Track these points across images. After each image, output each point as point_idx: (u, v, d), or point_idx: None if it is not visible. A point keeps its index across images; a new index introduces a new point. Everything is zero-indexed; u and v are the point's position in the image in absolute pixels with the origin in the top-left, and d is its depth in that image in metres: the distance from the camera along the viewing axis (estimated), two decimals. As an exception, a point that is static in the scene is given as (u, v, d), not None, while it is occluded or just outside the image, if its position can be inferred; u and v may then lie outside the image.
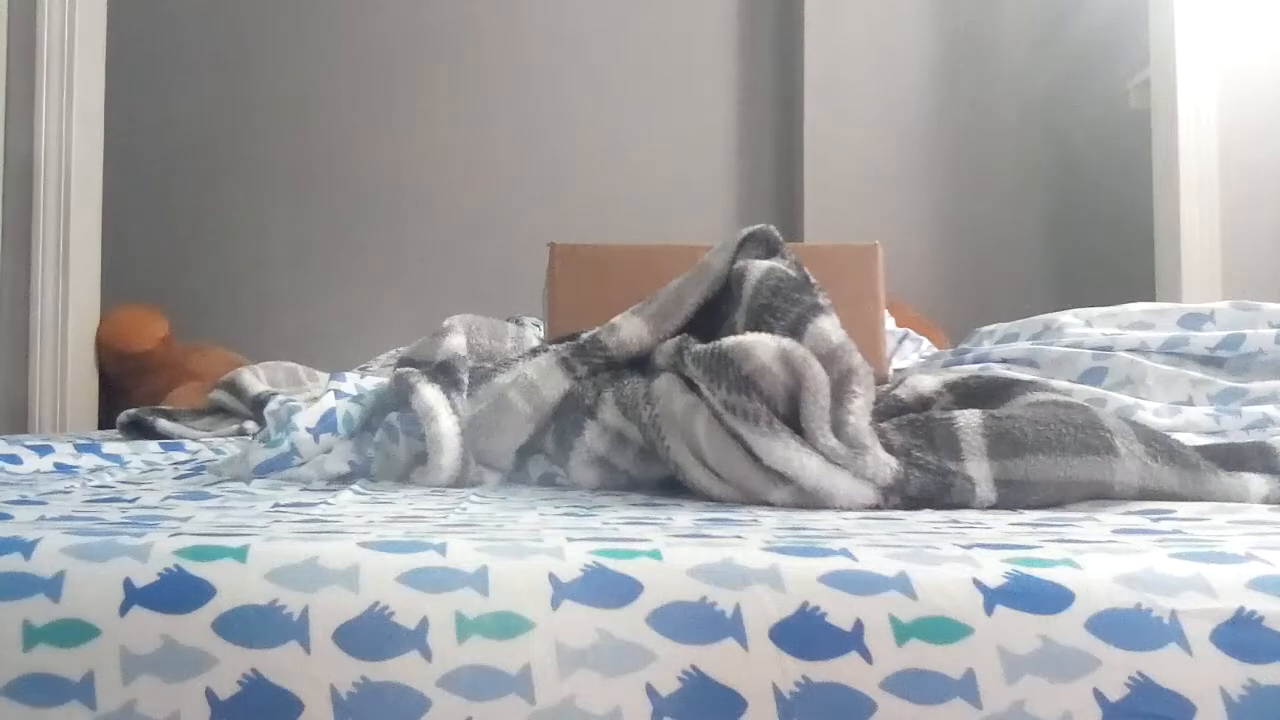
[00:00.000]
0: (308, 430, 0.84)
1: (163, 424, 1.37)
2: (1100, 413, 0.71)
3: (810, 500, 0.66)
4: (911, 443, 0.69)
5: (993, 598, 0.41)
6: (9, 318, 2.09)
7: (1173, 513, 0.63)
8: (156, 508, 0.62)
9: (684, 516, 0.61)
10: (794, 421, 0.68)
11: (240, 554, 0.43)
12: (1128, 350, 1.12)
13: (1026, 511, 0.65)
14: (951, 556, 0.44)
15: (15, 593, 0.42)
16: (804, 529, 0.54)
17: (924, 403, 0.84)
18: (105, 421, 2.15)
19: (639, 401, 0.78)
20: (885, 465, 0.66)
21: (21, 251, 2.09)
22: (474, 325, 1.02)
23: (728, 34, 2.70)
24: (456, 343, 0.91)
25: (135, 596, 0.42)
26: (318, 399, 0.88)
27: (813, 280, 0.84)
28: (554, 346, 0.89)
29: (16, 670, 0.41)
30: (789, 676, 0.40)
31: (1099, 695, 0.40)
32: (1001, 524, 0.58)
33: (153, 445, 1.16)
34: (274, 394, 1.34)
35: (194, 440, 1.26)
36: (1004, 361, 1.19)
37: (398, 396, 0.86)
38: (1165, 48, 2.22)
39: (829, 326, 0.74)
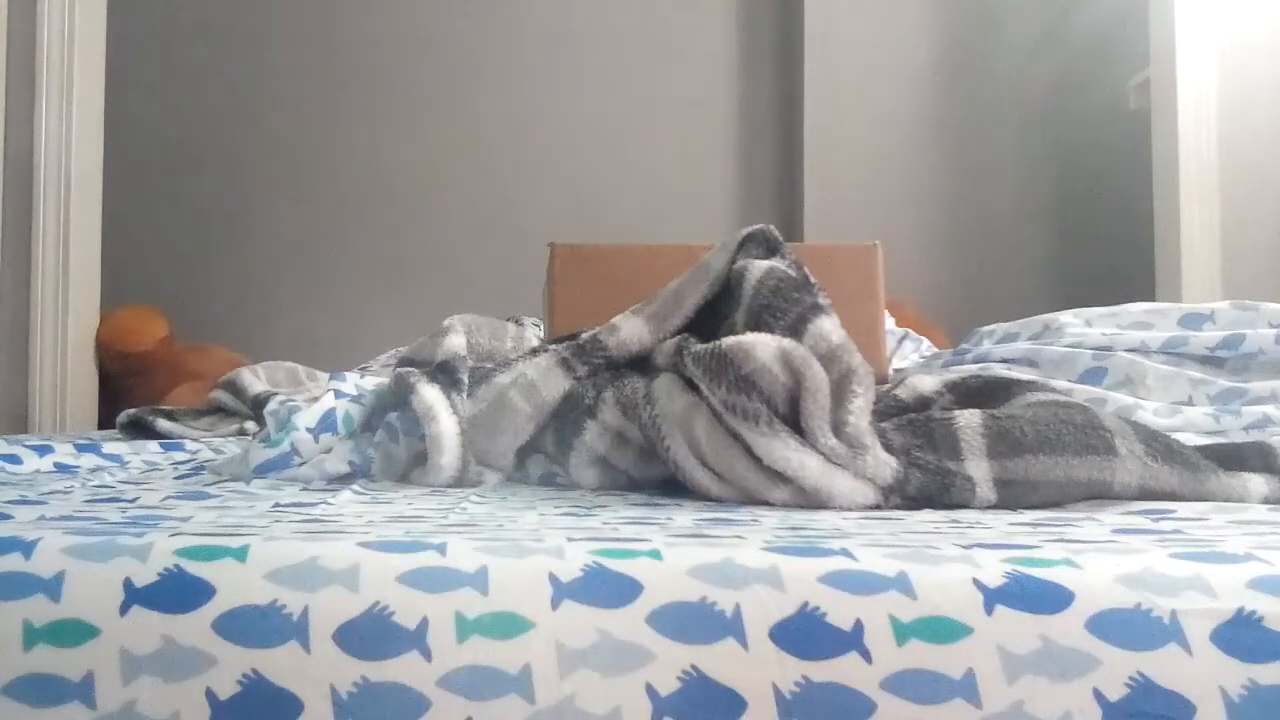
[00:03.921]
0: (308, 430, 0.84)
1: (163, 424, 1.38)
2: (1100, 413, 0.71)
3: (810, 500, 0.66)
4: (911, 443, 0.69)
5: (993, 598, 0.41)
6: (9, 318, 2.09)
7: (1173, 513, 0.63)
8: (156, 508, 0.62)
9: (684, 516, 0.61)
10: (794, 421, 0.68)
11: (240, 554, 0.43)
12: (1128, 350, 1.12)
13: (1026, 511, 0.65)
14: (951, 556, 0.44)
15: (15, 593, 0.42)
16: (804, 529, 0.54)
17: (924, 403, 0.84)
18: (105, 421, 2.15)
19: (639, 401, 0.78)
20: (885, 465, 0.66)
21: (21, 251, 2.09)
22: (474, 325, 1.01)
23: (728, 35, 2.70)
24: (456, 343, 0.91)
25: (135, 596, 0.42)
26: (318, 399, 0.88)
27: (813, 280, 0.84)
28: (554, 346, 0.89)
29: (16, 670, 0.41)
30: (789, 676, 0.40)
31: (1099, 695, 0.40)
32: (1001, 524, 0.58)
33: (153, 445, 1.16)
34: (274, 394, 1.34)
35: (194, 440, 1.26)
36: (1004, 361, 1.19)
37: (398, 396, 0.86)
38: (1165, 48, 2.22)
39: (829, 326, 0.74)
